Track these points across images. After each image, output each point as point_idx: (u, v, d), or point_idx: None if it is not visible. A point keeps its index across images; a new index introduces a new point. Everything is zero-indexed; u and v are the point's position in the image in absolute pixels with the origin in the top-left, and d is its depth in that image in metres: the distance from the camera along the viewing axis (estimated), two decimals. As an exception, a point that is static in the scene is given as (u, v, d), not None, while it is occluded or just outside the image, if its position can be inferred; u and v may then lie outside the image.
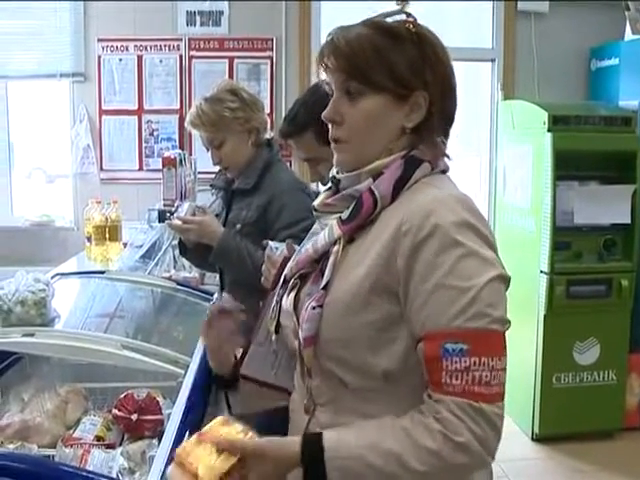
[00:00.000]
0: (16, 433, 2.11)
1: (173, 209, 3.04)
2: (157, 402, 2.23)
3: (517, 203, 4.88)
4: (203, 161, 3.46)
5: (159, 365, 2.19)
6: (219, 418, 1.32)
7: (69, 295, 2.94)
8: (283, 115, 5.01)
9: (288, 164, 3.68)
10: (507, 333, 1.27)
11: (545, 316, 4.48)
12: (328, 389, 1.38)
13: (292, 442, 1.26)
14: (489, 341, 1.23)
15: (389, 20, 1.41)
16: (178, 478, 1.24)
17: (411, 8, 4.53)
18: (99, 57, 5.27)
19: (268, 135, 2.86)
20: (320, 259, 1.40)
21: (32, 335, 2.27)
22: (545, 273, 4.46)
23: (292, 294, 1.43)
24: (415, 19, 1.42)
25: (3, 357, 2.37)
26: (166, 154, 3.50)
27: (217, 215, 2.83)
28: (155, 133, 5.27)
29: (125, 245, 3.73)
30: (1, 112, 5.48)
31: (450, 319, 1.22)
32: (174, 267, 3.72)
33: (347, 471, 1.22)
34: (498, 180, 5.27)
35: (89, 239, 3.62)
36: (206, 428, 1.30)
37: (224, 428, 1.28)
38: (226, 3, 5.26)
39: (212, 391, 2.12)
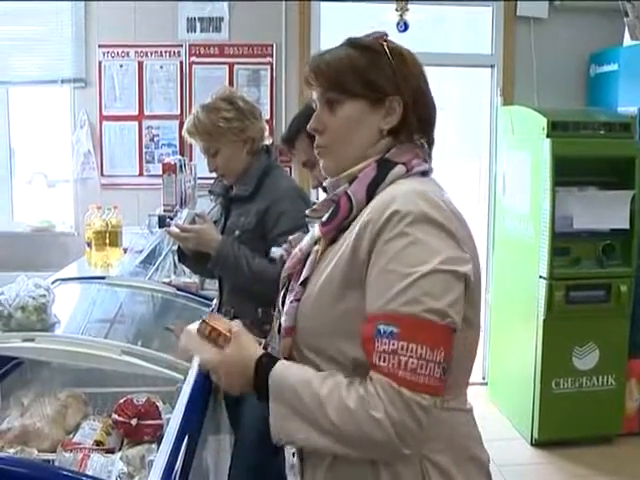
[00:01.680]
0: (16, 438, 2.12)
1: (172, 215, 3.06)
2: (156, 407, 2.24)
3: (516, 209, 4.89)
4: (203, 167, 3.46)
5: (159, 370, 2.19)
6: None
7: (69, 300, 2.94)
8: (283, 121, 5.07)
9: (287, 170, 3.70)
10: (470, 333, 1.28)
11: (544, 321, 4.48)
12: None
13: (257, 349, 1.45)
14: (421, 329, 1.26)
15: (363, 37, 1.53)
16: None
17: (410, 14, 4.55)
18: (100, 63, 5.29)
19: (267, 142, 2.87)
20: (305, 259, 1.50)
21: (32, 340, 2.27)
22: (544, 278, 4.46)
23: (282, 292, 1.56)
24: (387, 36, 1.54)
25: (3, 362, 2.37)
26: (166, 160, 3.51)
27: (216, 221, 2.84)
28: (155, 139, 5.28)
29: (125, 250, 3.73)
30: (2, 118, 5.50)
31: (386, 302, 1.28)
32: (174, 272, 3.73)
33: (282, 393, 1.34)
34: (497, 186, 5.28)
35: (89, 244, 3.62)
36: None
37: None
38: (226, 9, 5.28)
39: (211, 396, 2.13)
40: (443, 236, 1.32)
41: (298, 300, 1.44)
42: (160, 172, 3.46)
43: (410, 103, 1.47)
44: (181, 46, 5.27)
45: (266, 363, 1.40)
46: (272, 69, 5.28)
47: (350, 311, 1.36)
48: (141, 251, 3.68)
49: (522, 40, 5.46)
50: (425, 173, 1.49)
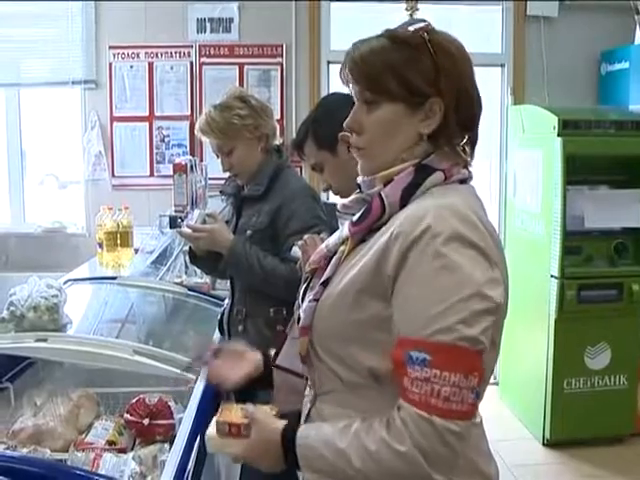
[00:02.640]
0: (29, 437, 2.13)
1: (184, 216, 3.06)
2: (169, 407, 2.24)
3: (527, 208, 4.88)
4: (214, 167, 3.47)
5: (170, 370, 2.20)
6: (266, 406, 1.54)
7: (81, 301, 2.96)
8: (293, 121, 5.07)
9: (298, 170, 3.70)
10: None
11: (556, 321, 4.47)
12: (327, 380, 1.44)
13: (279, 425, 1.44)
14: (454, 357, 1.24)
15: (405, 29, 1.42)
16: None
17: (420, 13, 4.54)
18: (110, 64, 5.30)
19: (278, 141, 2.88)
20: (331, 257, 1.46)
21: (45, 340, 2.29)
22: (556, 278, 4.45)
23: (303, 287, 1.52)
24: (430, 26, 1.43)
25: (16, 362, 2.39)
26: (177, 160, 3.51)
27: (227, 221, 2.84)
28: (166, 139, 5.30)
29: (136, 251, 3.75)
30: (14, 120, 5.52)
31: (419, 328, 1.25)
32: (185, 273, 3.74)
33: (310, 460, 1.35)
34: (508, 185, 5.27)
35: (101, 245, 3.64)
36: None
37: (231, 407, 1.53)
38: (236, 10, 5.28)
39: (223, 396, 2.13)
40: (477, 258, 1.28)
41: (317, 300, 1.42)
42: (171, 172, 3.47)
43: (452, 106, 1.38)
44: (191, 47, 5.28)
45: (290, 438, 1.39)
46: (282, 69, 5.28)
47: (367, 320, 1.35)
48: (152, 251, 3.69)
49: (532, 39, 5.44)
50: (464, 181, 1.45)
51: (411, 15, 5.23)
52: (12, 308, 2.37)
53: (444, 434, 1.22)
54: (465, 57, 1.43)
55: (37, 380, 2.46)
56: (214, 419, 1.49)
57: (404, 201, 1.37)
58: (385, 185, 1.40)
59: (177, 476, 1.63)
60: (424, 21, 1.44)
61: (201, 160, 4.66)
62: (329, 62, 5.36)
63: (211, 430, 1.50)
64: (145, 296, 3.14)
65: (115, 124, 5.33)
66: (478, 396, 1.27)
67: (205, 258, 2.83)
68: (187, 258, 3.20)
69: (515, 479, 4.12)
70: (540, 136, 4.68)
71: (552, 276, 4.47)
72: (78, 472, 1.59)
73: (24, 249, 5.35)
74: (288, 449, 1.38)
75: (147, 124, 5.33)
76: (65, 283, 2.88)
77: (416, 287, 1.27)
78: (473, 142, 1.48)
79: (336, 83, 5.10)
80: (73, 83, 5.32)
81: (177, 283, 3.32)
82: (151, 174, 5.33)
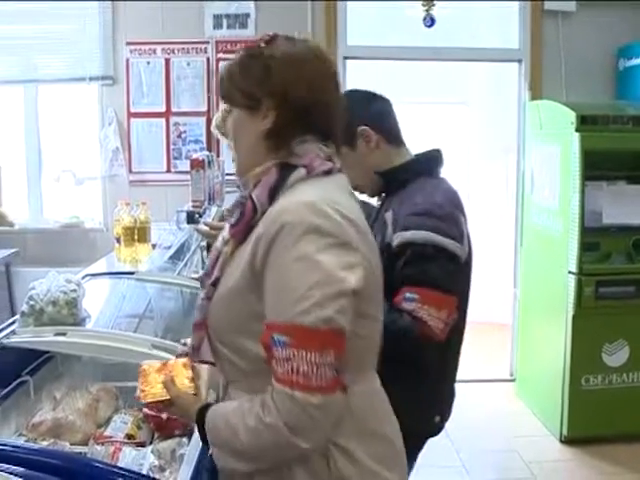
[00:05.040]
0: (49, 431, 2.14)
1: (201, 211, 3.06)
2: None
3: (545, 204, 4.86)
4: (230, 163, 3.47)
5: (189, 364, 2.20)
6: (184, 359, 1.71)
7: (99, 295, 2.97)
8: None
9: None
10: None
11: (574, 317, 4.44)
12: (230, 370, 1.58)
13: (196, 406, 1.57)
14: (309, 337, 1.37)
15: (249, 45, 1.62)
16: (138, 385, 1.66)
17: (437, 9, 4.52)
18: (127, 60, 5.33)
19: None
20: (218, 256, 1.60)
21: (64, 334, 2.30)
22: (573, 274, 4.42)
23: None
24: (272, 37, 1.59)
25: (36, 356, 2.40)
26: (194, 156, 3.51)
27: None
28: (183, 135, 5.31)
29: (154, 246, 3.75)
30: (31, 116, 5.55)
31: (279, 313, 1.40)
32: (202, 268, 3.73)
33: (213, 436, 1.50)
34: (525, 181, 5.24)
35: (118, 240, 3.64)
36: (172, 361, 1.72)
37: (182, 368, 1.68)
38: (252, 5, 5.29)
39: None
40: (332, 246, 1.40)
41: (209, 298, 1.56)
42: (187, 168, 3.47)
43: (281, 102, 1.53)
44: (208, 43, 5.29)
45: (201, 417, 1.54)
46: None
47: (248, 312, 1.49)
48: (170, 247, 3.69)
49: (550, 34, 5.42)
50: (329, 172, 1.56)
51: (427, 11, 5.21)
52: (31, 302, 2.38)
53: (305, 406, 1.36)
54: (297, 59, 1.57)
55: (56, 374, 2.47)
56: (138, 383, 1.66)
57: (272, 199, 1.50)
58: (255, 186, 1.54)
59: (196, 471, 1.64)
60: (273, 35, 1.60)
61: (218, 156, 4.67)
62: (345, 57, 5.36)
63: (138, 394, 1.65)
64: (163, 291, 3.15)
65: (132, 120, 5.36)
66: (337, 371, 1.40)
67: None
68: (205, 253, 3.20)
69: (533, 476, 4.11)
70: (558, 132, 4.66)
71: (570, 272, 4.45)
72: (98, 465, 1.60)
73: (42, 244, 5.39)
74: (200, 428, 1.53)
75: (164, 120, 5.35)
76: (83, 278, 2.88)
77: (276, 278, 1.41)
78: (333, 137, 1.63)
79: (353, 79, 5.10)
80: (90, 79, 5.35)
81: (194, 278, 3.30)
82: (168, 170, 5.35)
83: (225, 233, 1.59)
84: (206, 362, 1.68)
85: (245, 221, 1.52)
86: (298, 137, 1.56)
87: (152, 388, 1.61)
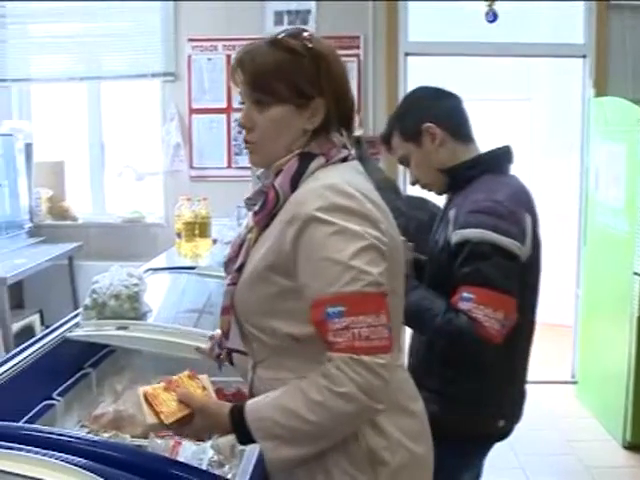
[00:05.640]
0: (110, 423, 2.16)
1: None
2: (246, 397, 2.24)
3: (610, 202, 4.75)
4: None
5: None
6: (186, 372, 1.72)
7: (160, 290, 2.99)
8: (370, 113, 5.04)
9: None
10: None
11: (639, 319, 4.34)
12: (259, 349, 1.65)
13: (225, 408, 1.59)
14: (364, 302, 1.45)
15: (290, 37, 1.61)
16: (146, 412, 1.61)
17: (499, 4, 4.44)
18: (189, 57, 5.38)
19: (357, 133, 2.85)
20: (242, 245, 1.66)
21: (126, 328, 2.32)
22: (639, 275, 4.32)
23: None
24: (311, 35, 1.63)
25: (98, 349, 2.43)
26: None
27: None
28: (244, 132, 5.32)
29: (214, 241, 3.78)
30: (95, 113, 5.65)
31: (328, 286, 1.45)
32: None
33: (265, 430, 1.51)
34: (589, 179, 5.14)
35: (179, 235, 3.68)
36: (175, 377, 1.69)
37: (189, 381, 1.69)
38: (313, 2, 5.28)
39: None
40: (359, 220, 1.48)
41: (235, 284, 1.63)
42: (248, 164, 3.48)
43: (332, 103, 1.61)
44: (269, 39, 5.30)
45: (238, 417, 1.55)
46: (359, 61, 5.25)
47: (275, 294, 1.56)
48: (230, 242, 3.71)
49: (616, 29, 5.29)
50: (344, 159, 1.64)
51: (490, 5, 5.14)
52: (94, 296, 2.41)
53: (374, 367, 1.42)
54: (338, 60, 1.65)
55: (118, 367, 2.50)
56: (146, 410, 1.61)
57: (293, 187, 1.57)
58: (277, 175, 1.60)
59: (256, 466, 1.63)
60: (305, 30, 1.65)
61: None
62: (407, 54, 5.32)
63: (152, 420, 1.61)
64: (223, 286, 3.15)
65: (193, 116, 5.41)
66: (390, 330, 1.47)
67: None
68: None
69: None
70: (624, 129, 4.56)
71: (635, 273, 4.34)
72: (158, 459, 1.60)
73: (105, 238, 5.48)
74: (238, 427, 1.55)
75: (225, 116, 5.39)
76: (145, 272, 2.91)
77: (314, 256, 1.47)
78: (349, 127, 1.70)
79: (414, 75, 5.05)
80: (152, 76, 5.43)
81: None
82: (229, 165, 5.39)
83: (248, 220, 1.66)
84: (235, 350, 1.75)
85: (268, 209, 1.59)
86: (329, 132, 1.63)
87: (168, 408, 1.60)
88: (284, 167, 1.60)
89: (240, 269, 1.63)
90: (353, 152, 1.68)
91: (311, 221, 1.48)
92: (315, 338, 1.50)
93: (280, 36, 1.62)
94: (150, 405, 1.60)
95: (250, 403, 1.56)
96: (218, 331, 1.97)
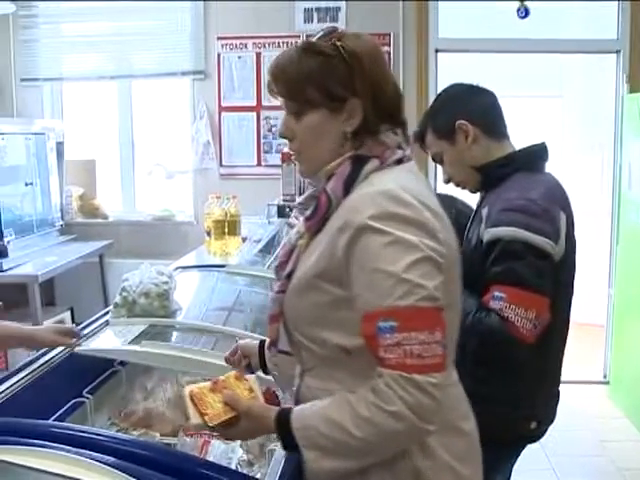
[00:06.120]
0: (140, 421, 2.17)
1: (292, 205, 3.06)
2: (276, 396, 2.23)
3: (643, 200, 4.69)
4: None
5: (278, 359, 2.20)
6: (233, 372, 1.68)
7: (190, 288, 3.00)
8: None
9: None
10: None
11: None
12: (308, 358, 1.60)
13: (272, 412, 1.52)
14: (417, 317, 1.38)
15: (319, 39, 1.56)
16: (191, 412, 1.56)
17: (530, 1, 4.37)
18: (219, 55, 5.39)
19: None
20: (292, 250, 1.60)
21: (155, 327, 2.33)
22: (673, 274, 4.26)
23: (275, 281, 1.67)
24: (341, 33, 1.57)
25: (128, 347, 2.44)
26: (285, 150, 3.52)
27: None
28: (273, 129, 5.34)
29: (244, 240, 3.78)
30: (125, 111, 5.69)
31: (380, 299, 1.38)
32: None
33: (309, 439, 1.44)
34: (623, 177, 5.07)
35: (209, 233, 3.68)
36: (221, 378, 1.64)
37: (236, 382, 1.64)
38: (343, 1, 5.27)
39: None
40: (415, 230, 1.41)
41: (283, 291, 1.57)
42: (278, 162, 3.48)
43: (369, 102, 1.53)
44: (298, 37, 5.28)
45: (284, 423, 1.48)
46: (390, 58, 5.23)
47: (326, 303, 1.50)
48: (259, 240, 3.72)
49: (651, 23, 5.21)
50: (400, 161, 1.56)
51: (522, 1, 5.10)
52: (124, 294, 2.42)
53: (425, 386, 1.35)
54: (375, 56, 1.57)
55: (147, 365, 2.50)
56: (191, 410, 1.56)
57: (346, 191, 1.51)
58: (328, 180, 1.54)
59: (286, 466, 1.63)
60: (335, 29, 1.58)
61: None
62: (437, 50, 5.29)
63: (196, 421, 1.56)
64: (252, 284, 3.16)
65: (223, 114, 5.42)
66: (445, 348, 1.40)
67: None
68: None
69: (628, 483, 3.97)
70: (659, 126, 4.49)
71: (669, 272, 4.29)
72: (187, 458, 1.60)
73: (135, 236, 5.51)
74: (283, 433, 1.48)
75: (255, 114, 5.39)
76: (175, 270, 2.92)
77: (368, 266, 1.41)
78: (402, 125, 1.61)
79: (444, 72, 5.02)
80: (182, 74, 5.45)
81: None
82: (258, 163, 5.40)
83: (299, 226, 1.60)
84: (284, 352, 1.68)
85: (320, 214, 1.54)
86: (380, 132, 1.56)
87: (213, 410, 1.55)
88: (336, 171, 1.54)
89: (290, 276, 1.57)
90: (409, 152, 1.60)
91: (364, 230, 1.41)
92: (366, 350, 1.44)
93: (311, 39, 1.58)
94: (195, 405, 1.56)
95: (297, 410, 1.51)
96: (243, 341, 1.98)
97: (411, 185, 1.49)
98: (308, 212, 1.58)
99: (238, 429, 1.55)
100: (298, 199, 1.69)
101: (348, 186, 1.51)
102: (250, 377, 1.69)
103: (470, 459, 1.62)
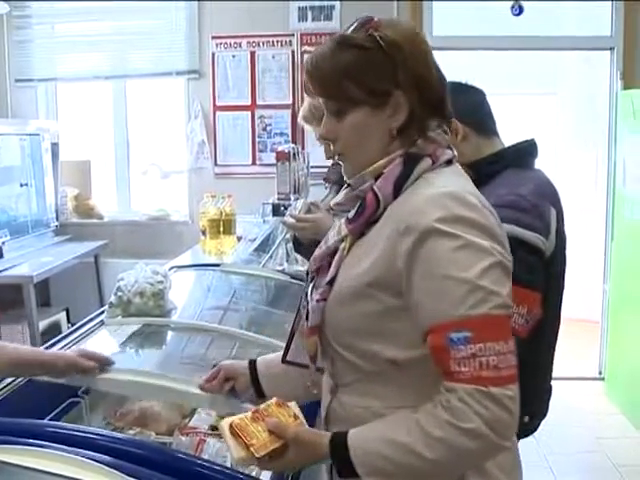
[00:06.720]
0: (135, 420, 2.17)
1: (287, 204, 3.06)
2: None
3: (637, 196, 4.69)
4: (316, 155, 3.48)
5: (273, 357, 2.20)
6: (274, 399, 1.51)
7: (185, 287, 3.00)
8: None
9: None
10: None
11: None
12: (348, 372, 1.47)
13: (324, 438, 1.38)
14: (492, 326, 1.28)
15: (355, 31, 1.44)
16: (232, 445, 1.42)
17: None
18: (213, 54, 5.39)
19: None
20: (332, 254, 1.50)
21: (150, 326, 2.33)
22: (668, 270, 4.27)
23: (310, 286, 1.54)
24: (378, 22, 1.44)
25: (123, 347, 2.44)
26: (279, 148, 3.52)
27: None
28: (268, 128, 5.34)
29: (239, 239, 3.78)
30: (120, 111, 5.68)
31: (452, 309, 1.28)
32: (287, 260, 3.75)
33: (371, 465, 1.31)
34: (617, 173, 5.08)
35: (204, 232, 3.69)
36: (262, 406, 1.48)
37: (279, 409, 1.48)
38: (337, -1, 5.27)
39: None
40: (482, 235, 1.32)
41: (325, 299, 1.46)
42: (272, 161, 3.48)
43: (414, 95, 1.41)
44: (293, 36, 5.30)
45: (340, 450, 1.35)
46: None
47: (380, 312, 1.39)
48: (254, 239, 3.72)
49: (644, 20, 5.22)
50: (450, 161, 1.48)
51: (516, -1, 5.11)
52: (119, 293, 2.42)
53: (503, 400, 1.25)
54: (416, 44, 1.45)
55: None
56: (233, 443, 1.43)
57: (397, 192, 1.41)
58: (376, 179, 1.44)
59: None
60: (371, 18, 1.45)
61: (303, 148, 4.67)
62: (431, 48, 5.27)
63: (240, 454, 1.43)
64: (247, 283, 3.16)
65: (218, 113, 5.42)
66: (516, 357, 1.30)
67: (309, 246, 2.82)
68: (290, 246, 3.21)
69: (622, 479, 3.97)
70: (653, 122, 4.50)
71: (664, 268, 4.30)
72: (182, 456, 1.60)
73: (130, 236, 5.51)
74: (340, 460, 1.35)
75: (249, 113, 5.40)
76: (170, 270, 2.92)
77: (437, 272, 1.30)
78: (449, 119, 1.51)
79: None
80: (177, 74, 5.45)
81: (279, 271, 3.33)
82: (253, 162, 5.40)
83: (341, 229, 1.49)
84: (295, 364, 1.61)
85: (366, 215, 1.43)
86: (428, 128, 1.46)
87: (259, 439, 1.43)
88: (385, 170, 1.43)
89: (331, 282, 1.46)
90: (455, 152, 1.51)
91: (431, 233, 1.30)
92: (415, 363, 1.37)
93: (345, 32, 1.46)
94: (237, 437, 1.44)
95: (353, 433, 1.36)
96: (224, 362, 1.85)
97: (469, 188, 1.42)
98: (351, 213, 1.47)
99: (287, 458, 1.40)
100: (335, 199, 1.58)
101: (399, 186, 1.41)
102: (291, 404, 1.53)
103: (515, 472, 1.56)
